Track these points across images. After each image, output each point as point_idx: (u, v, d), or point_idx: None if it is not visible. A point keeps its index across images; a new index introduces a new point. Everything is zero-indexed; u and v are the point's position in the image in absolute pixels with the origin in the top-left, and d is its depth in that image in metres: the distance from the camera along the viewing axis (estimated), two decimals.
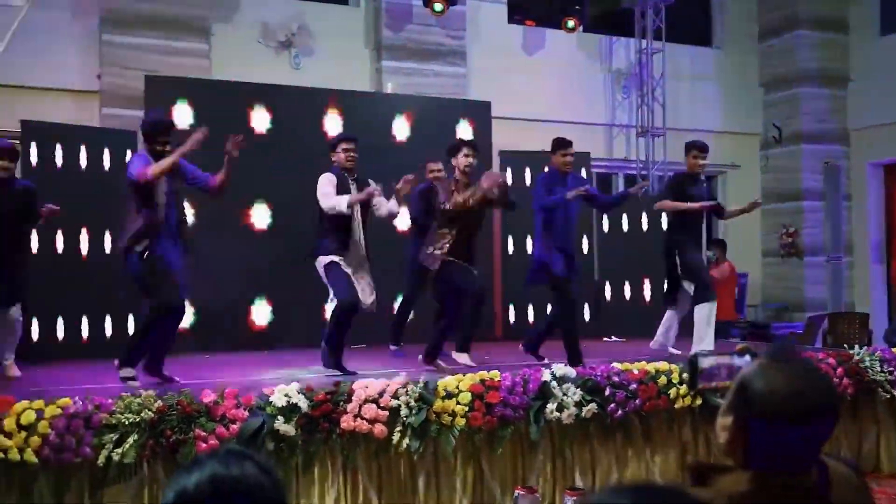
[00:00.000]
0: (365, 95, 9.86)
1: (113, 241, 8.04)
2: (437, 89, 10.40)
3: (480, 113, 10.03)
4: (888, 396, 6.34)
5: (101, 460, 4.26)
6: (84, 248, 8.00)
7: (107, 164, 8.20)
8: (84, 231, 7.99)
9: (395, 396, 4.88)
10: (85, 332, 7.91)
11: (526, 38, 11.54)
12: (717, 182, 12.99)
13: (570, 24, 11.04)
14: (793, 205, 12.60)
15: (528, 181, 10.08)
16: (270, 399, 4.66)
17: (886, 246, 12.63)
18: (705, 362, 2.34)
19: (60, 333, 7.75)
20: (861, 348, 6.49)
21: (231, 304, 8.60)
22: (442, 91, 10.38)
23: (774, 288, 12.87)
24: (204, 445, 4.40)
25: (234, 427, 4.50)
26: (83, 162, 8.05)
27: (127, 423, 4.32)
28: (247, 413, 4.56)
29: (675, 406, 5.60)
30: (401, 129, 9.57)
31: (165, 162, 5.51)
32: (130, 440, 4.31)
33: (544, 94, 11.32)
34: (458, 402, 4.99)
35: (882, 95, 12.10)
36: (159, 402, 4.45)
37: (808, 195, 12.51)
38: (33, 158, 7.73)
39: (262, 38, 9.98)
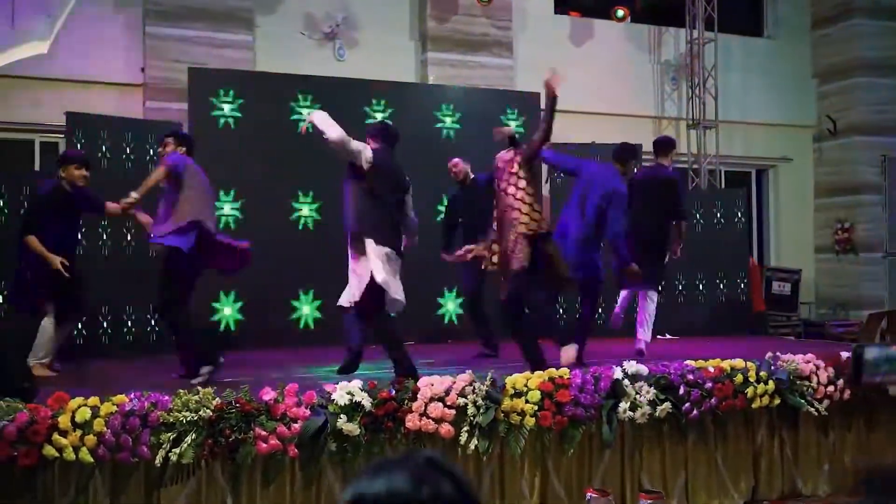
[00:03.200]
0: (410, 86, 9.63)
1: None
2: (482, 81, 10.16)
3: (528, 104, 9.76)
4: None
5: (157, 460, 4.06)
6: (131, 242, 7.84)
7: (152, 156, 8.04)
8: (129, 225, 7.83)
9: (462, 395, 4.63)
10: (131, 328, 7.76)
11: (573, 29, 11.25)
12: (768, 175, 12.64)
13: (620, 13, 10.75)
14: (848, 199, 12.20)
15: None
16: (332, 397, 4.43)
17: None
18: (870, 354, 2.07)
19: (106, 329, 7.59)
20: None
21: (276, 301, 8.40)
22: (488, 83, 10.14)
23: (828, 285, 12.46)
24: (264, 446, 4.19)
25: (296, 426, 4.28)
26: (128, 154, 7.89)
27: (185, 421, 4.11)
28: (308, 411, 4.34)
29: (752, 406, 5.30)
30: (448, 121, 9.33)
31: None
32: (188, 439, 4.10)
33: (592, 86, 11.02)
34: (526, 401, 4.74)
35: None
36: (217, 399, 4.23)
37: (864, 189, 12.10)
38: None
39: (305, 29, 9.79)
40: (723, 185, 11.61)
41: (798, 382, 5.43)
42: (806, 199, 12.66)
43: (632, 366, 5.12)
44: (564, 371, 4.96)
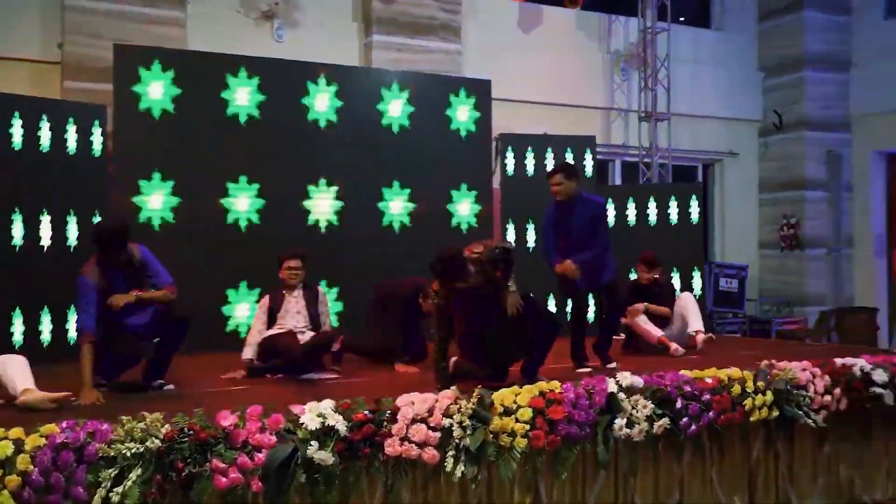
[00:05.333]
0: (356, 70, 9.00)
1: (80, 228, 7.13)
2: (429, 66, 9.60)
3: (480, 92, 9.25)
4: None
5: (96, 501, 3.40)
6: (45, 235, 7.02)
7: (72, 142, 7.24)
8: (45, 217, 7.01)
9: (447, 414, 4.09)
10: (46, 332, 6.96)
11: (522, 15, 10.77)
12: (714, 170, 12.42)
13: None
14: (794, 194, 12.06)
15: (529, 166, 9.42)
16: (301, 420, 3.83)
17: (888, 238, 12.16)
18: None
19: (17, 333, 6.77)
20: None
21: (206, 302, 7.70)
22: (434, 68, 9.59)
23: (773, 281, 12.32)
24: (223, 480, 3.56)
25: (260, 456, 3.67)
26: (45, 139, 7.07)
27: (129, 454, 3.46)
28: (274, 438, 3.73)
29: (751, 419, 4.90)
30: (395, 106, 8.76)
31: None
32: (133, 476, 3.45)
33: (541, 75, 10.62)
34: (517, 420, 4.22)
35: (886, 81, 11.61)
36: (167, 426, 3.59)
37: (810, 185, 11.97)
38: None
39: (242, 7, 9.06)
40: (670, 180, 11.32)
41: (795, 392, 5.06)
42: (751, 194, 12.50)
43: (626, 377, 4.65)
44: (555, 384, 4.46)
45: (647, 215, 9.67)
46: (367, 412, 3.98)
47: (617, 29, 11.36)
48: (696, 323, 7.02)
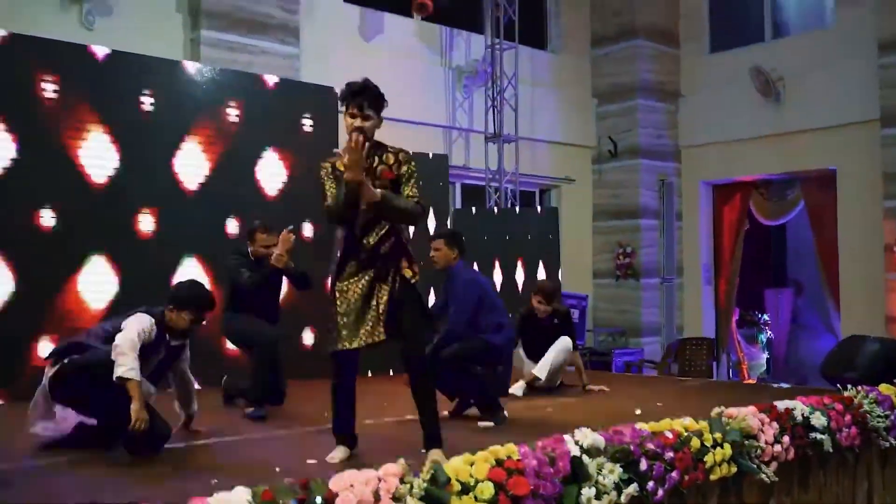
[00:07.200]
0: (186, 68, 7.71)
1: None
2: (263, 69, 8.48)
3: (324, 100, 8.24)
4: (887, 445, 5.40)
5: None
6: None
7: None
8: None
9: (396, 498, 3.07)
10: None
11: (363, 21, 9.90)
12: (549, 196, 12.05)
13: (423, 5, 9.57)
14: (628, 223, 11.91)
15: None
16: None
17: (714, 267, 12.29)
18: None
19: None
20: (856, 389, 5.49)
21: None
22: (269, 71, 8.49)
23: (607, 311, 12.08)
24: None
25: None
26: None
27: None
28: None
29: (711, 477, 4.23)
30: (231, 111, 7.59)
31: None
32: None
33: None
34: (476, 499, 3.28)
35: (710, 114, 11.76)
36: None
37: (643, 213, 11.87)
38: None
39: None
40: (512, 205, 10.78)
41: (747, 443, 4.46)
42: (586, 221, 12.25)
43: (586, 435, 3.83)
44: (511, 449, 3.56)
45: (507, 240, 9.08)
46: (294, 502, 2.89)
47: (459, 44, 10.73)
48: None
